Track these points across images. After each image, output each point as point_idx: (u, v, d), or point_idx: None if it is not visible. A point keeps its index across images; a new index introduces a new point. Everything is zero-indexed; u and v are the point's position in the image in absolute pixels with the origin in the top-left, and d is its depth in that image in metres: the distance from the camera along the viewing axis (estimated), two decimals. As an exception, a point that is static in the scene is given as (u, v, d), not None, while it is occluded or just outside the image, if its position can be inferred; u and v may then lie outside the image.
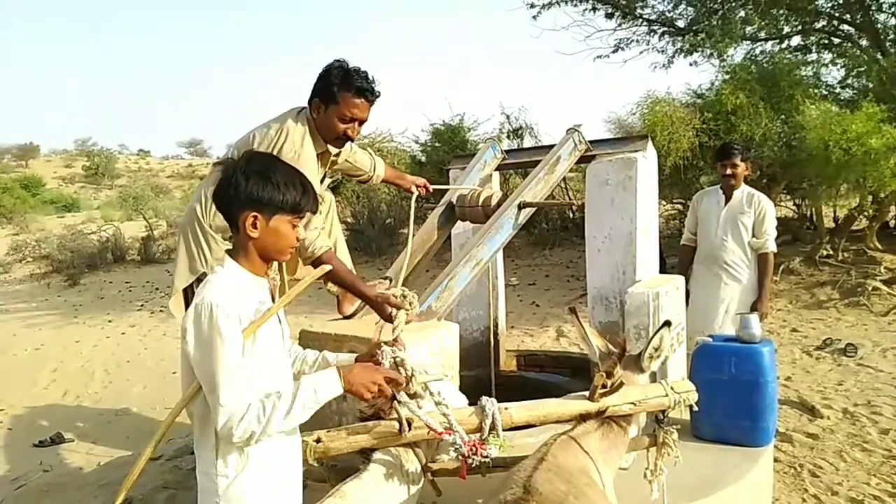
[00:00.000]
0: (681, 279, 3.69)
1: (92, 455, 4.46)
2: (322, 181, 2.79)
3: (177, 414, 1.71)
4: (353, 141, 2.77)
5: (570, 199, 9.37)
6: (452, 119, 12.15)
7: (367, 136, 12.76)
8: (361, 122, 2.66)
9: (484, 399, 2.00)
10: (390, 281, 3.21)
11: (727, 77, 8.49)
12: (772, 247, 4.19)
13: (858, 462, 3.76)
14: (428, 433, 1.89)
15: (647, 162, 3.52)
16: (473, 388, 3.74)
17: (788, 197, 10.17)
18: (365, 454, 1.93)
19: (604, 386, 2.00)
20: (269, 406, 1.56)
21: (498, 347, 4.18)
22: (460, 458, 1.84)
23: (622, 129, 11.23)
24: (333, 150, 2.76)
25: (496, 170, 4.03)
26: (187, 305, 2.56)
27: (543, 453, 1.81)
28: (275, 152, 2.49)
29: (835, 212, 10.00)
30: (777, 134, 7.69)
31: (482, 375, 3.97)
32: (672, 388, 2.10)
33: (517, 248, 12.29)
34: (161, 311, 9.49)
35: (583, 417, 1.98)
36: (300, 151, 2.54)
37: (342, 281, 2.59)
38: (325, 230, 2.89)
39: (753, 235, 4.16)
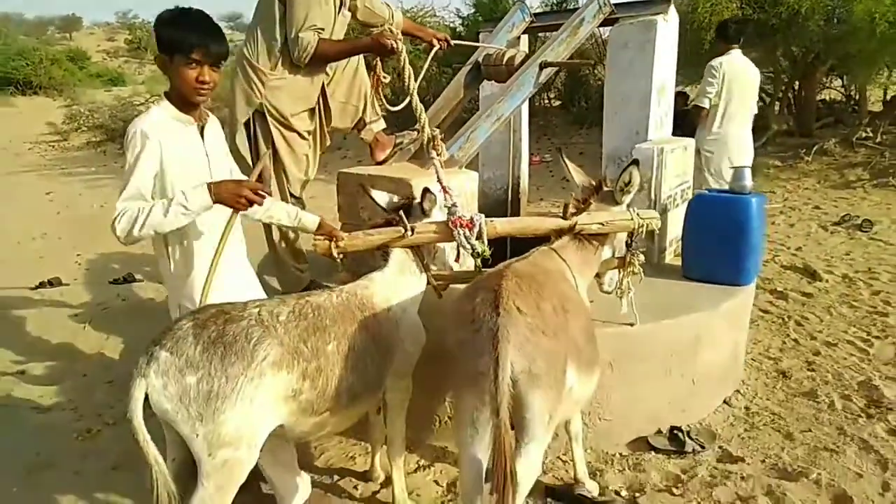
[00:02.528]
0: (691, 142, 3.92)
1: (160, 291, 5.09)
2: (339, 12, 3.06)
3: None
4: None
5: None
6: (495, -13, 11.86)
7: (409, 11, 12.62)
8: None
9: (474, 214, 2.39)
10: (418, 132, 3.54)
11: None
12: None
13: (843, 316, 4.12)
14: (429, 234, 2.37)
15: (667, 26, 3.65)
16: (494, 240, 4.17)
17: (837, 78, 9.90)
18: (384, 253, 2.36)
19: (575, 207, 2.37)
20: (144, 210, 1.91)
21: (518, 204, 4.53)
22: (452, 224, 2.32)
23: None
24: None
25: (524, 32, 4.19)
26: (249, 141, 2.95)
27: (526, 256, 2.20)
28: None
29: (885, 94, 9.73)
30: (823, 6, 7.43)
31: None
32: (638, 214, 2.41)
33: (554, 126, 12.32)
34: (210, 177, 10.06)
35: (559, 233, 2.35)
36: None
37: (338, 52, 2.95)
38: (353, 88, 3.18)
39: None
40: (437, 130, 2.90)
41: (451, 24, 12.75)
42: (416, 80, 2.90)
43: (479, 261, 2.40)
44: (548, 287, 1.95)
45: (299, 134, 2.98)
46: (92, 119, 14.25)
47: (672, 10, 3.72)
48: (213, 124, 2.25)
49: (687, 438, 2.74)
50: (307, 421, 1.94)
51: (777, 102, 9.57)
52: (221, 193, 1.97)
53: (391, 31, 2.86)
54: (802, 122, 9.23)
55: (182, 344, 1.73)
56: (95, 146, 13.08)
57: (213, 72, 2.05)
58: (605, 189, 2.50)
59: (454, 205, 2.36)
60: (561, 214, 2.38)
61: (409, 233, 2.32)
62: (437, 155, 2.78)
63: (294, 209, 2.45)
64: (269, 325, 1.85)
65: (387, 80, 3.34)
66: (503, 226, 2.45)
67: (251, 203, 2.01)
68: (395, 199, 2.53)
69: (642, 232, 2.43)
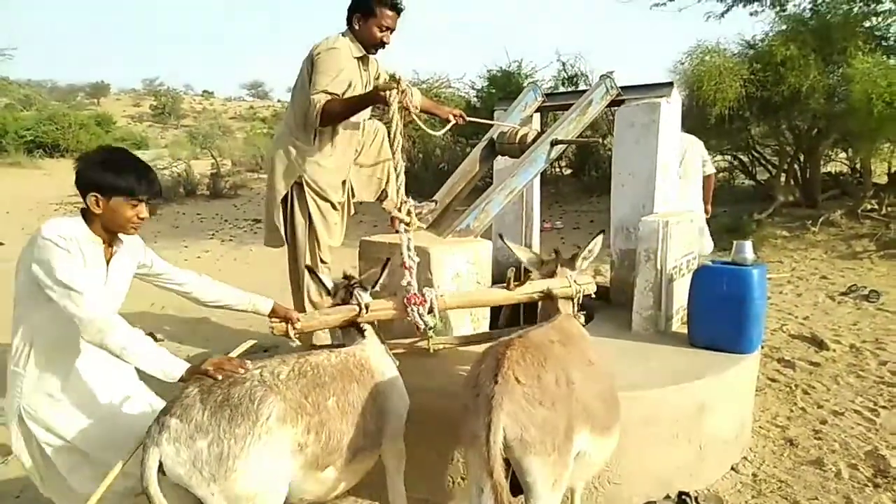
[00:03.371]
0: (697, 215, 4.11)
1: (180, 351, 5.24)
2: (365, 85, 3.34)
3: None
4: (384, 47, 3.31)
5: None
6: (510, 65, 12.44)
7: (425, 82, 13.18)
8: (392, 31, 3.26)
9: (426, 289, 2.56)
10: (436, 203, 3.76)
11: (783, 28, 8.51)
12: None
13: (850, 385, 4.18)
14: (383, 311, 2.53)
15: (670, 107, 3.91)
16: (506, 305, 4.31)
17: (842, 151, 10.17)
18: (358, 329, 2.49)
19: (516, 279, 2.69)
20: (133, 337, 1.98)
21: (529, 272, 4.69)
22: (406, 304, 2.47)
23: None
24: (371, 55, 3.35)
25: (536, 111, 4.47)
26: (284, 214, 3.18)
27: (552, 320, 2.39)
28: (314, 52, 3.15)
29: (889, 167, 9.97)
30: (824, 86, 7.76)
31: (515, 294, 4.50)
32: (575, 281, 2.66)
33: (566, 194, 12.63)
34: (231, 239, 10.35)
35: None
36: (334, 46, 3.15)
37: (344, 108, 3.13)
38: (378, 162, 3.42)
39: None
40: (412, 202, 2.83)
41: (465, 96, 13.26)
42: (397, 137, 2.88)
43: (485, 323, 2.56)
44: (554, 358, 2.05)
45: (332, 204, 3.21)
46: (117, 182, 14.76)
47: (675, 92, 3.98)
48: (125, 247, 2.26)
49: (694, 503, 2.81)
50: (315, 476, 2.03)
51: (783, 174, 9.83)
52: (197, 370, 2.00)
53: (394, 78, 2.98)
54: (808, 193, 9.45)
55: (190, 411, 1.83)
56: (119, 208, 13.53)
57: (149, 207, 2.16)
58: (563, 258, 2.81)
59: (409, 283, 2.47)
60: (505, 286, 2.65)
61: (364, 311, 2.44)
62: (407, 225, 2.74)
63: (246, 295, 2.52)
64: (271, 383, 1.96)
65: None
66: (453, 299, 2.59)
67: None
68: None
69: (580, 296, 2.69)
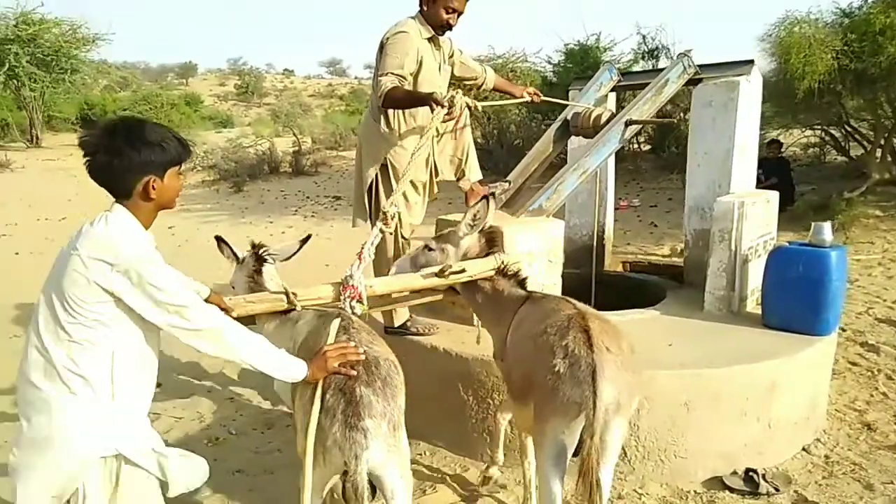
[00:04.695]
0: (775, 195, 4.05)
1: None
2: (441, 67, 3.47)
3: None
4: (451, 29, 3.40)
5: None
6: (587, 39, 12.23)
7: (500, 56, 13.14)
8: (459, 14, 3.35)
9: (356, 280, 2.44)
10: (509, 183, 3.88)
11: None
12: None
13: (937, 372, 4.05)
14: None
15: (749, 86, 3.85)
16: (577, 283, 4.42)
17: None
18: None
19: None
20: (259, 342, 1.87)
21: (603, 250, 4.76)
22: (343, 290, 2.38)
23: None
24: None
25: (612, 90, 4.48)
26: (370, 194, 3.38)
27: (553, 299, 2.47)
28: (384, 38, 3.29)
29: None
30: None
31: (585, 273, 4.58)
32: (501, 260, 2.56)
33: (644, 171, 12.38)
34: (312, 215, 10.79)
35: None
36: (401, 30, 3.27)
37: (400, 99, 3.21)
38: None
39: None
40: (394, 209, 2.77)
41: (542, 71, 13.13)
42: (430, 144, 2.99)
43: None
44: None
45: (414, 186, 3.39)
46: (206, 159, 15.54)
47: (755, 70, 3.91)
48: None
49: (762, 480, 2.85)
50: None
51: (879, 150, 9.31)
52: (325, 369, 1.91)
53: (453, 99, 3.05)
54: (905, 170, 8.92)
55: (375, 405, 1.87)
56: (210, 185, 14.26)
57: None
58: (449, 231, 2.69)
59: (350, 276, 2.43)
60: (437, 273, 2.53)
61: (293, 297, 2.32)
62: (384, 226, 2.75)
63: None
64: (386, 354, 2.09)
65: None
66: (380, 286, 2.56)
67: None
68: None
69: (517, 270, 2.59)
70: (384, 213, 2.71)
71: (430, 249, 2.65)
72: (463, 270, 2.51)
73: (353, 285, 2.40)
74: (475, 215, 2.59)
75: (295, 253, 2.65)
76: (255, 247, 2.51)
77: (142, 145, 1.74)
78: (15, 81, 17.88)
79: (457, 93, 3.10)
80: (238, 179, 13.75)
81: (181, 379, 4.40)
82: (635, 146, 12.98)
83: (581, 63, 11.76)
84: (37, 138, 19.57)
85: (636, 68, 11.16)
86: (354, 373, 1.92)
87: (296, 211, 11.33)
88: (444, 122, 3.17)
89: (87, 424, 1.69)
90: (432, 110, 3.07)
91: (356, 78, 50.03)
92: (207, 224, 10.35)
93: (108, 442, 1.71)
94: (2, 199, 12.08)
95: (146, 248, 1.74)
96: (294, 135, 17.25)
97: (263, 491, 3.02)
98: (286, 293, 2.30)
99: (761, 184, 7.74)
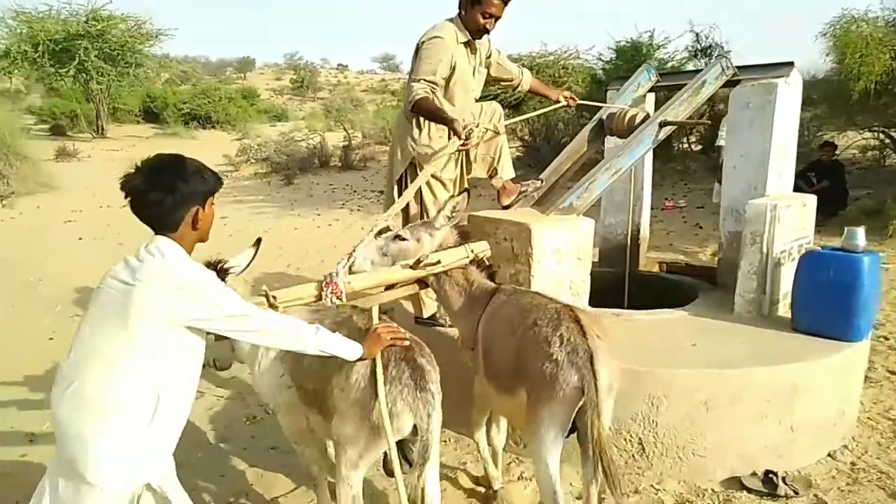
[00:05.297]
0: (812, 198, 4.00)
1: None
2: (476, 69, 3.58)
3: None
4: (489, 33, 3.48)
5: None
6: (640, 36, 12.08)
7: (552, 53, 13.10)
8: (497, 19, 3.41)
9: (338, 278, 2.50)
10: (542, 182, 3.95)
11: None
12: None
13: (980, 383, 3.93)
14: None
15: (788, 87, 3.81)
16: (611, 281, 4.45)
17: None
18: None
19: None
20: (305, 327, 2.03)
21: (637, 249, 4.77)
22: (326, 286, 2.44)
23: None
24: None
25: (650, 91, 4.49)
26: (399, 190, 3.51)
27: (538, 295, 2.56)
28: (420, 41, 3.39)
29: None
30: None
31: (619, 272, 4.61)
32: (472, 250, 2.65)
33: (693, 172, 12.15)
34: (359, 209, 11.03)
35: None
36: (437, 35, 3.36)
37: (426, 111, 3.32)
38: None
39: None
40: (389, 223, 2.89)
41: (593, 67, 13.01)
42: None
43: None
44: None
45: (442, 182, 3.50)
46: (259, 152, 16.01)
47: (795, 73, 3.87)
48: None
49: (781, 483, 2.87)
50: None
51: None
52: (380, 343, 2.16)
53: (472, 130, 3.19)
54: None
55: (433, 374, 2.19)
56: (262, 177, 14.70)
57: None
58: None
59: (336, 273, 2.50)
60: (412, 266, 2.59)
61: (274, 300, 2.32)
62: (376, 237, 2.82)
63: None
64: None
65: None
66: (359, 282, 2.59)
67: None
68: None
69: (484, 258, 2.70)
70: (382, 230, 2.77)
71: (403, 239, 2.71)
72: (438, 262, 2.60)
73: (335, 282, 2.50)
74: (454, 207, 2.69)
75: (252, 258, 2.67)
76: (212, 264, 2.40)
77: (189, 177, 1.85)
78: (84, 75, 18.80)
79: (476, 126, 3.22)
80: (289, 172, 14.14)
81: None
82: (685, 146, 12.76)
83: (632, 60, 11.62)
84: (102, 129, 20.51)
85: (689, 67, 10.99)
86: (408, 342, 2.18)
87: (343, 204, 11.59)
88: (458, 150, 3.32)
89: (122, 456, 1.72)
90: (449, 137, 3.21)
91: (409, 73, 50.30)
92: (258, 216, 10.71)
93: (141, 475, 1.76)
94: (69, 186, 12.73)
95: (204, 270, 1.87)
96: (344, 129, 17.59)
97: (296, 466, 3.20)
98: (266, 296, 2.31)
99: (812, 187, 7.57)
